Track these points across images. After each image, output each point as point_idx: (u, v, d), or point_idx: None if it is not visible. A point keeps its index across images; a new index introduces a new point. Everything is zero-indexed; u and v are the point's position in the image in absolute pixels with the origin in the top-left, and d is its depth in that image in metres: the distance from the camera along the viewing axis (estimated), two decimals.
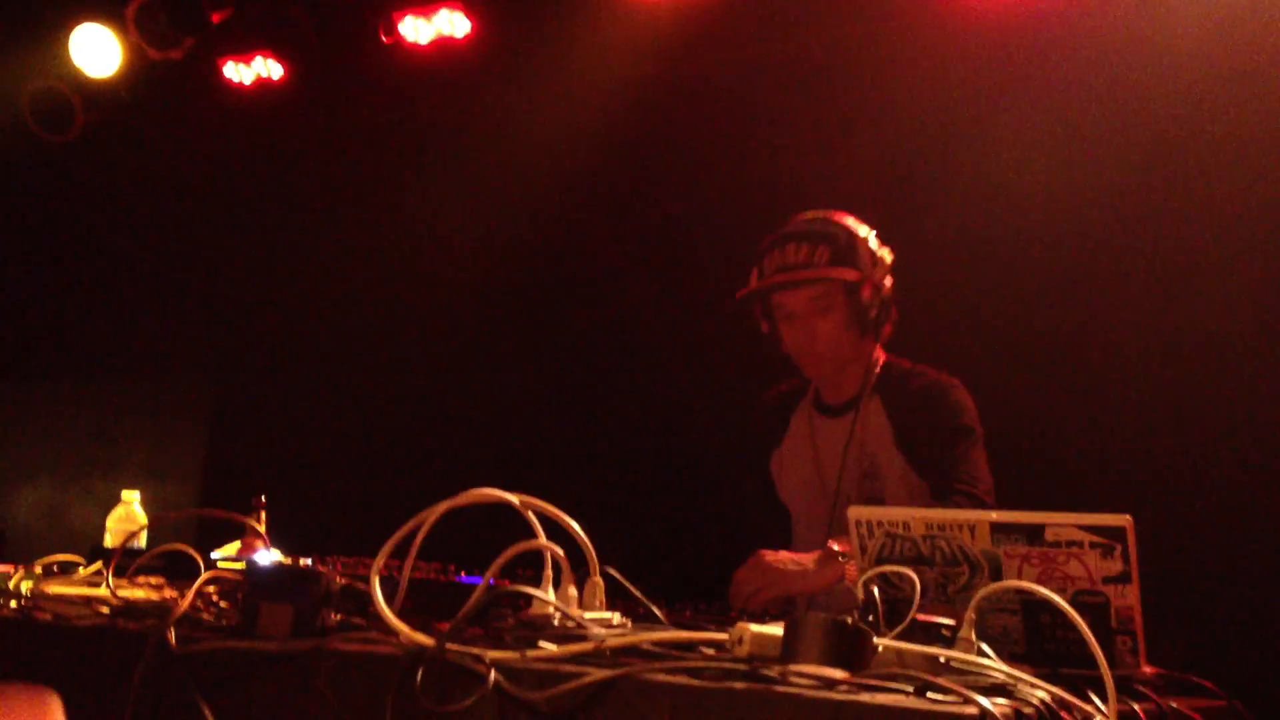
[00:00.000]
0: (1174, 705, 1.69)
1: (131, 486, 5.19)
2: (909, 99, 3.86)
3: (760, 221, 4.00)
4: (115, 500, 4.81)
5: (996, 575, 1.74)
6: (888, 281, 2.76)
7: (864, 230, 2.77)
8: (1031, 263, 3.60)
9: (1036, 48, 3.70)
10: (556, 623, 1.64)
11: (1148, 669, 1.74)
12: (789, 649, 1.44)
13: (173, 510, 4.99)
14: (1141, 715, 1.58)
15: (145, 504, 5.09)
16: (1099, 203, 3.53)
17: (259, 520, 2.55)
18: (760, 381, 3.02)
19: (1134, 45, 3.55)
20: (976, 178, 3.67)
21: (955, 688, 1.32)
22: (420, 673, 1.51)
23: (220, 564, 2.16)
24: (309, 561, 2.29)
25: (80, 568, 2.21)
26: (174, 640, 1.70)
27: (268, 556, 2.35)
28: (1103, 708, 1.46)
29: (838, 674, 1.38)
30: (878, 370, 2.79)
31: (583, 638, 1.58)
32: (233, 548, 2.47)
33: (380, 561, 1.70)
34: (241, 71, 5.24)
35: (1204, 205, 3.42)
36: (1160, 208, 3.48)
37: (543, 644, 1.56)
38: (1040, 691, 1.40)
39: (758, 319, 2.83)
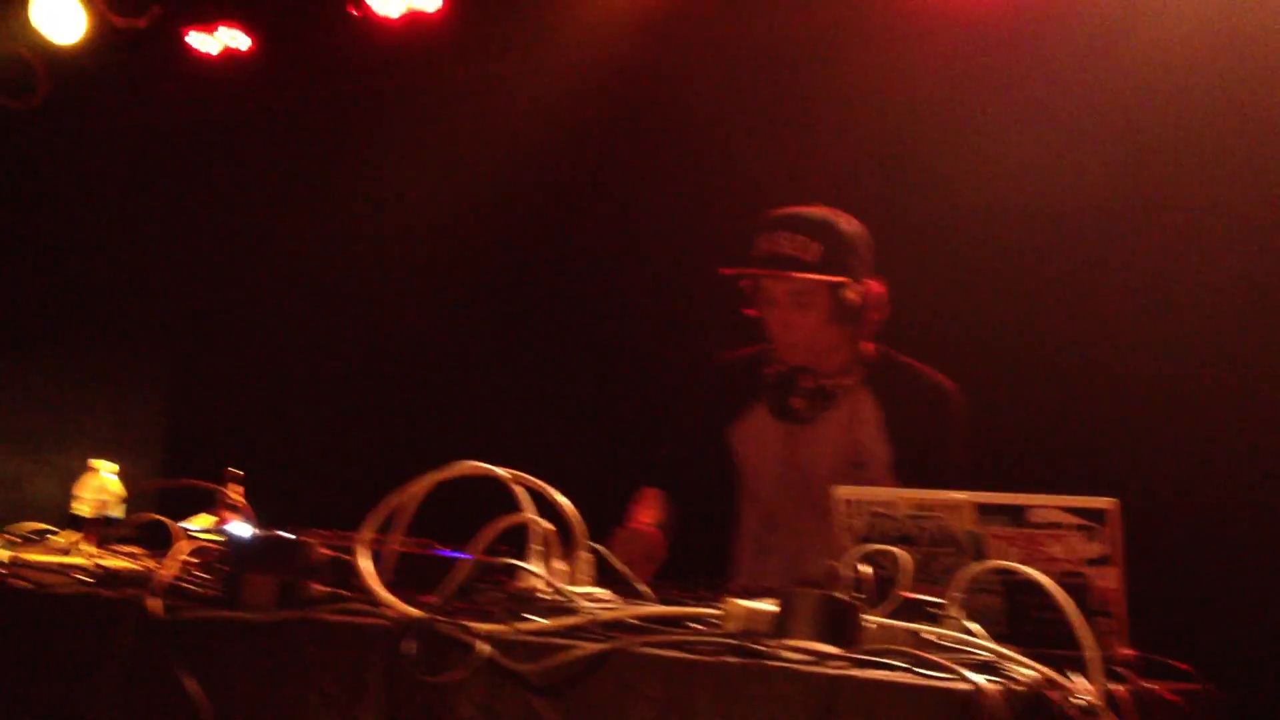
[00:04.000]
0: (1151, 688, 1.71)
1: (95, 456, 5.13)
2: (893, 80, 3.86)
3: (733, 201, 4.02)
4: (73, 470, 4.73)
5: (980, 556, 1.75)
6: (875, 285, 2.75)
7: (855, 228, 2.76)
8: (1020, 244, 3.60)
9: (1025, 31, 3.70)
10: (544, 597, 1.64)
11: (1126, 651, 1.76)
12: (781, 624, 1.45)
13: (138, 481, 4.94)
14: (1123, 695, 1.60)
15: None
16: (1088, 185, 3.53)
17: (230, 492, 2.52)
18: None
19: (1126, 31, 3.56)
20: (963, 162, 3.67)
21: (948, 665, 1.33)
22: (410, 644, 1.51)
23: (200, 533, 2.13)
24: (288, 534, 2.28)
25: (53, 536, 2.18)
26: (157, 609, 1.68)
27: (243, 529, 2.33)
28: (1089, 687, 1.48)
29: (830, 650, 1.38)
30: (869, 360, 2.78)
31: (572, 612, 1.58)
32: (206, 520, 2.44)
33: (367, 533, 1.69)
34: (208, 42, 5.19)
35: (1191, 190, 3.45)
36: (1148, 191, 3.50)
37: (531, 618, 1.56)
38: (1029, 670, 1.42)
39: (747, 296, 2.80)
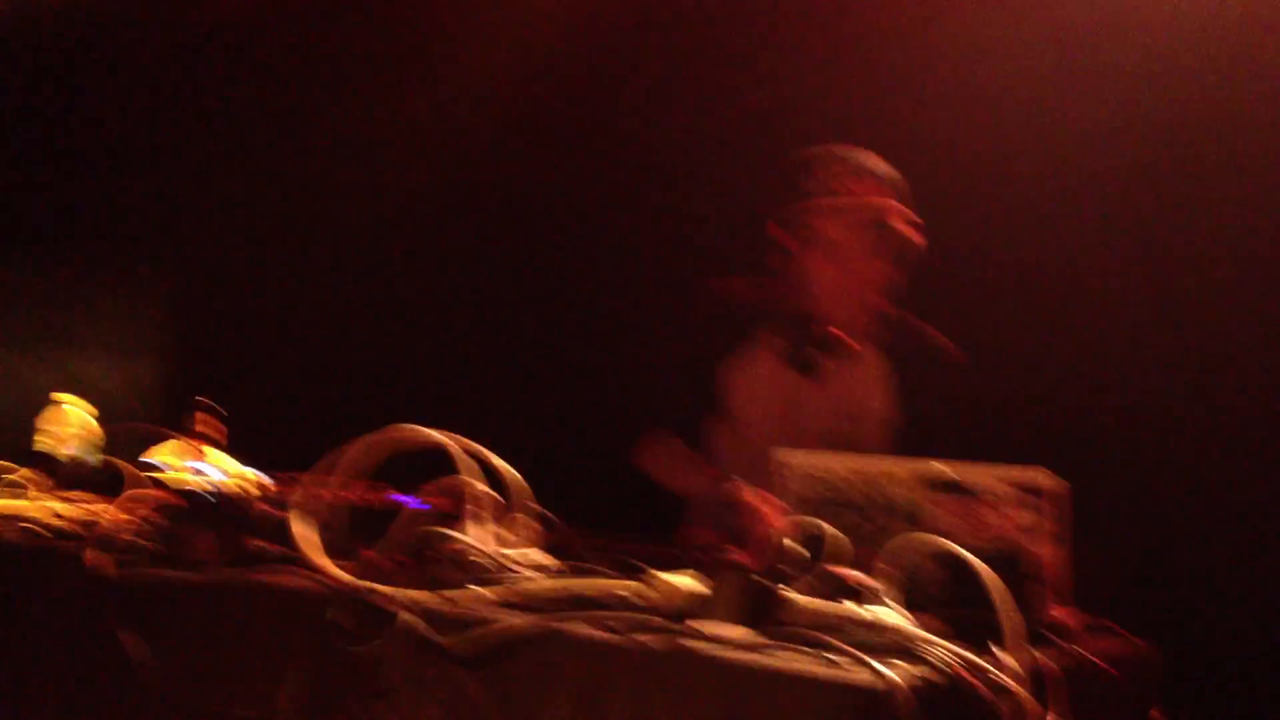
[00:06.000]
0: (1080, 651, 1.73)
1: (87, 359, 5.10)
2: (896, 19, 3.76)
3: (717, 140, 3.96)
4: (72, 370, 4.72)
5: (916, 522, 1.76)
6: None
7: None
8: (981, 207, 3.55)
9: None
10: (479, 561, 1.66)
11: (1061, 615, 1.77)
12: (704, 604, 1.46)
13: (135, 386, 5.00)
14: (1045, 664, 1.61)
15: (105, 376, 4.98)
16: (1066, 148, 3.47)
17: (197, 422, 2.52)
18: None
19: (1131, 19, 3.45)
20: (943, 146, 3.59)
21: (853, 652, 1.35)
22: (337, 613, 1.53)
23: (156, 475, 2.15)
24: (254, 474, 2.30)
25: (8, 475, 2.20)
26: (98, 563, 1.71)
27: (206, 466, 2.35)
28: (1010, 663, 1.50)
29: (744, 633, 1.40)
30: (886, 317, 2.69)
31: (503, 579, 1.60)
32: (172, 451, 2.45)
33: (299, 498, 1.70)
34: None
35: (1170, 168, 3.38)
36: (1127, 160, 3.43)
37: (462, 585, 1.58)
38: (941, 651, 1.43)
39: (782, 242, 2.66)
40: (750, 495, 2.36)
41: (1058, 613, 1.77)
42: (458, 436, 1.74)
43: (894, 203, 2.61)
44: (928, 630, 1.50)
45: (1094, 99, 3.47)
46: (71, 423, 2.42)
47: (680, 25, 4.32)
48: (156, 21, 5.19)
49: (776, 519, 2.20)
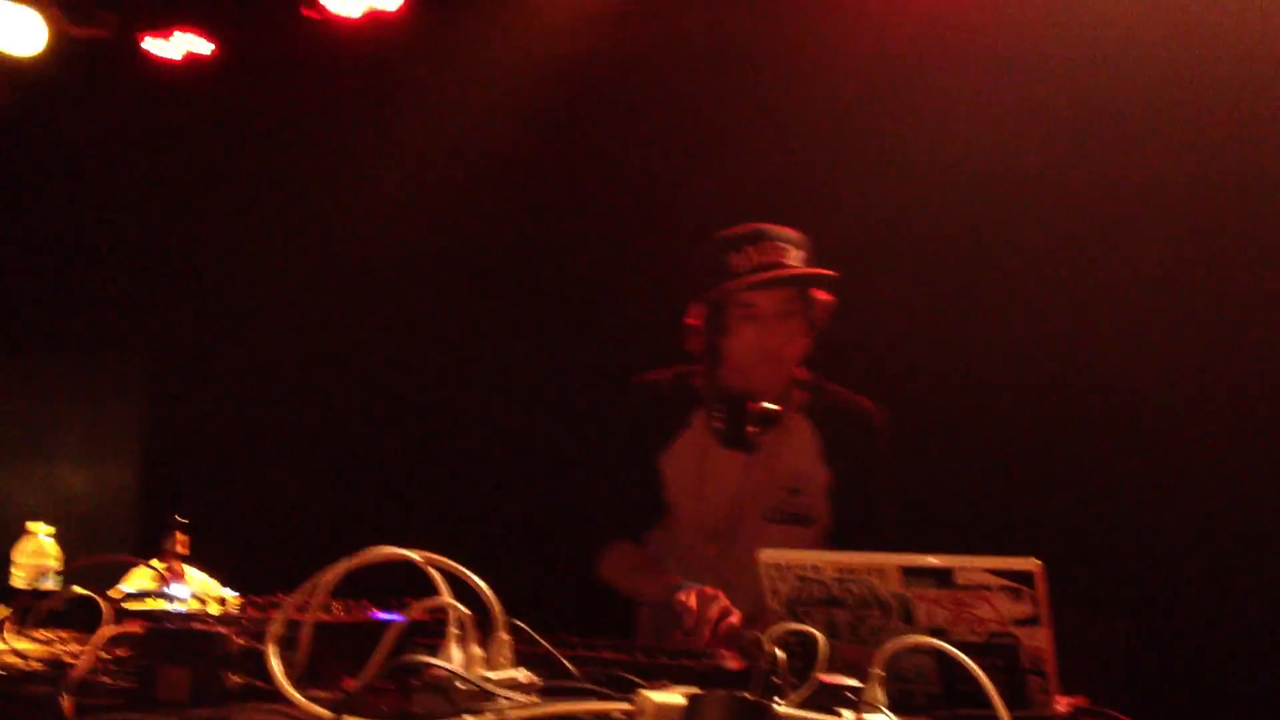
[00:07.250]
0: None
1: (65, 471, 5.05)
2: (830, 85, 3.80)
3: (671, 217, 3.99)
4: (53, 482, 4.66)
5: (907, 617, 1.72)
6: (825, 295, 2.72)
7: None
8: (947, 284, 3.56)
9: (966, 25, 3.64)
10: (460, 687, 1.60)
11: (1062, 706, 1.73)
12: None
13: (114, 505, 4.96)
14: None
15: (83, 488, 4.95)
16: (1026, 225, 3.50)
17: (176, 543, 2.48)
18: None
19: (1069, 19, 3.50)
20: (898, 186, 3.62)
21: None
22: None
23: (127, 603, 2.10)
24: (233, 596, 2.26)
25: None
26: (70, 709, 1.65)
27: (183, 590, 2.30)
28: None
29: None
30: (804, 385, 2.76)
31: (482, 706, 1.55)
32: (146, 574, 2.41)
33: (277, 629, 1.66)
34: (171, 48, 5.16)
35: (1121, 237, 3.40)
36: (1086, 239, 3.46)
37: (446, 715, 1.53)
38: None
39: (699, 329, 2.71)
40: (694, 600, 2.34)
41: (1059, 703, 1.73)
42: (433, 555, 1.70)
43: (813, 271, 2.64)
44: None
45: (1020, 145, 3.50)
46: (47, 554, 2.37)
47: (595, 117, 4.39)
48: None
49: (719, 614, 2.23)
